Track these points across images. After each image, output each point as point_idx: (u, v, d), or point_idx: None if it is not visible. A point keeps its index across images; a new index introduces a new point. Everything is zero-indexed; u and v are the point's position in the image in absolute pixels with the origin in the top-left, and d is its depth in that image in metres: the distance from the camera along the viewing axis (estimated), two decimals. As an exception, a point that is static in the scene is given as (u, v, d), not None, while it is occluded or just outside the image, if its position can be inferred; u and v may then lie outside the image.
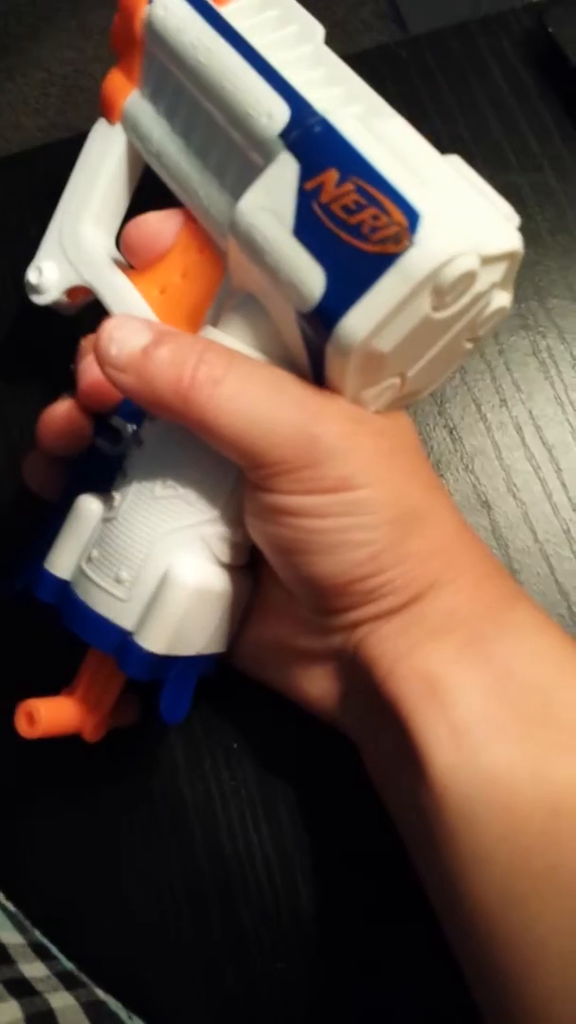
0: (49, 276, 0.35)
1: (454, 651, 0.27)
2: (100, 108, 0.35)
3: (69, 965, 0.31)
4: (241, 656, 0.32)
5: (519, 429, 0.37)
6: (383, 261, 0.24)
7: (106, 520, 0.29)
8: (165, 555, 0.28)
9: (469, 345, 0.29)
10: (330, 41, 0.32)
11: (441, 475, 0.37)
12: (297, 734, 0.34)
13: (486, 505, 0.36)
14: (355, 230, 0.24)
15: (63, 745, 0.36)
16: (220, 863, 0.34)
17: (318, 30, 0.32)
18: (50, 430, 0.32)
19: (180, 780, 0.35)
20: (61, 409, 0.32)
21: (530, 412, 0.38)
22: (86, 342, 0.33)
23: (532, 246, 0.40)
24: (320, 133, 0.26)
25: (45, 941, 0.32)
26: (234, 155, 0.30)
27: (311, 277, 0.25)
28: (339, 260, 0.25)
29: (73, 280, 0.35)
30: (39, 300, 0.36)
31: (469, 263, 0.24)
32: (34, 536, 0.33)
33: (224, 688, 0.36)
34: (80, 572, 0.29)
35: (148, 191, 0.35)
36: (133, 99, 0.34)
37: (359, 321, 0.25)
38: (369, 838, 0.33)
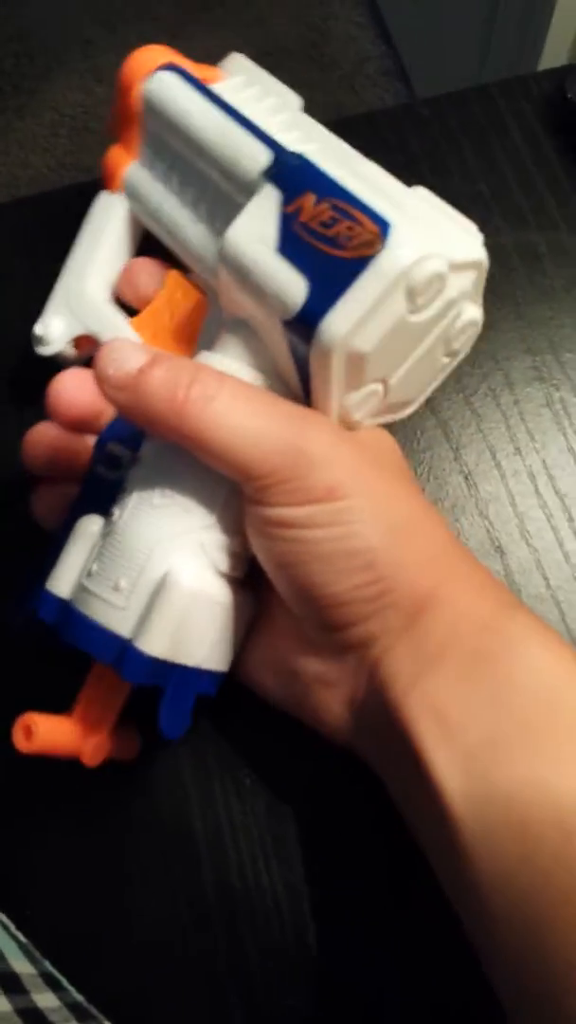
0: (55, 329, 0.37)
1: (458, 671, 0.27)
2: (102, 179, 0.38)
3: (79, 997, 0.31)
4: (254, 680, 0.33)
5: (532, 477, 0.38)
6: (359, 263, 0.27)
7: (105, 535, 0.30)
8: (163, 560, 0.29)
9: (446, 359, 0.32)
10: (335, 95, 0.34)
11: (456, 520, 0.38)
12: (309, 768, 0.35)
13: (500, 550, 0.37)
14: (332, 241, 0.27)
15: (72, 775, 0.36)
16: (229, 897, 0.34)
17: (294, 100, 0.36)
18: (35, 450, 0.33)
19: (191, 813, 0.35)
20: (45, 429, 0.34)
21: (544, 461, 0.39)
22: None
23: (547, 302, 0.42)
24: (298, 165, 0.29)
25: (55, 972, 0.32)
26: (222, 201, 0.33)
27: (294, 286, 0.27)
28: (319, 269, 0.27)
29: (77, 329, 0.37)
30: (45, 351, 0.38)
31: (437, 264, 0.27)
32: (37, 567, 0.33)
33: (236, 721, 0.36)
34: (80, 587, 0.30)
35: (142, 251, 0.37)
36: (132, 169, 0.37)
37: (339, 319, 0.27)
38: (380, 874, 0.33)
